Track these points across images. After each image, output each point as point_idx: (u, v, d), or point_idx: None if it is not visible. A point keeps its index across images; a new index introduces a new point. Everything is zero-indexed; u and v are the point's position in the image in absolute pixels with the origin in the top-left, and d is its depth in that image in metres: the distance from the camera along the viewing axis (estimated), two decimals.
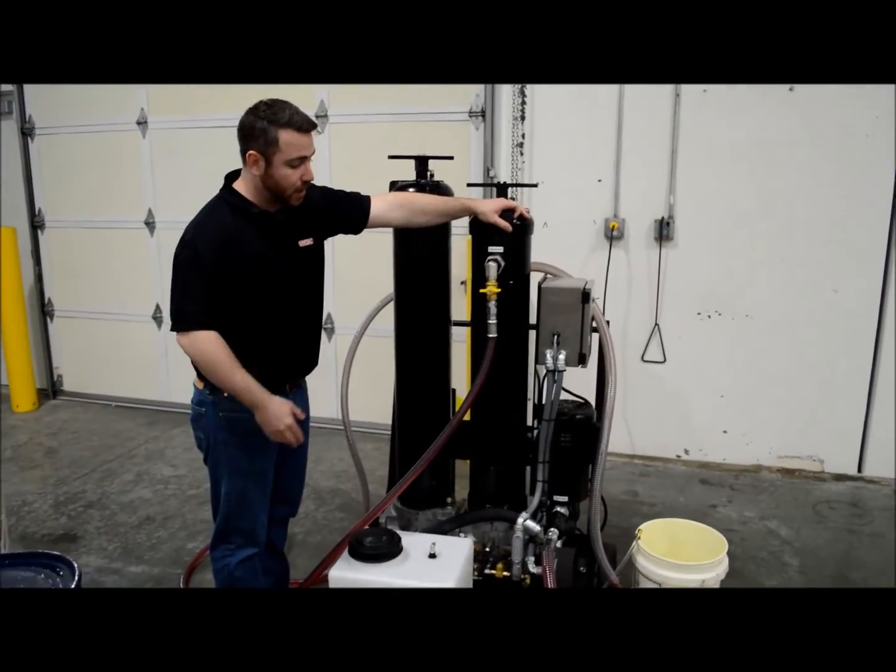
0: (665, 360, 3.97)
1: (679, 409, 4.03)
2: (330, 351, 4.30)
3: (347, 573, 2.19)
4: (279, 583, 2.54)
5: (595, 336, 2.61)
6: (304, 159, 1.97)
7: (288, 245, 2.09)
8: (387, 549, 2.23)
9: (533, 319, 2.54)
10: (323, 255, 2.24)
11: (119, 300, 5.02)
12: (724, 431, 4.00)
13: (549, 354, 2.41)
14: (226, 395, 2.09)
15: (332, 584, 2.21)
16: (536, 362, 2.52)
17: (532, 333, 2.55)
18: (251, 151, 1.94)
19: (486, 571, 2.51)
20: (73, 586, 1.10)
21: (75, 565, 1.17)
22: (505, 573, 2.49)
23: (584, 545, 2.59)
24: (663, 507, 3.49)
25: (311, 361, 2.32)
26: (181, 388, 4.79)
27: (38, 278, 5.16)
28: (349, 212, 2.24)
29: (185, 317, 1.97)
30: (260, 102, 1.94)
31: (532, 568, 2.45)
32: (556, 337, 2.41)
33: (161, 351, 4.93)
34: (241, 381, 2.00)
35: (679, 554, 2.50)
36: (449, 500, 2.70)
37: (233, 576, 2.25)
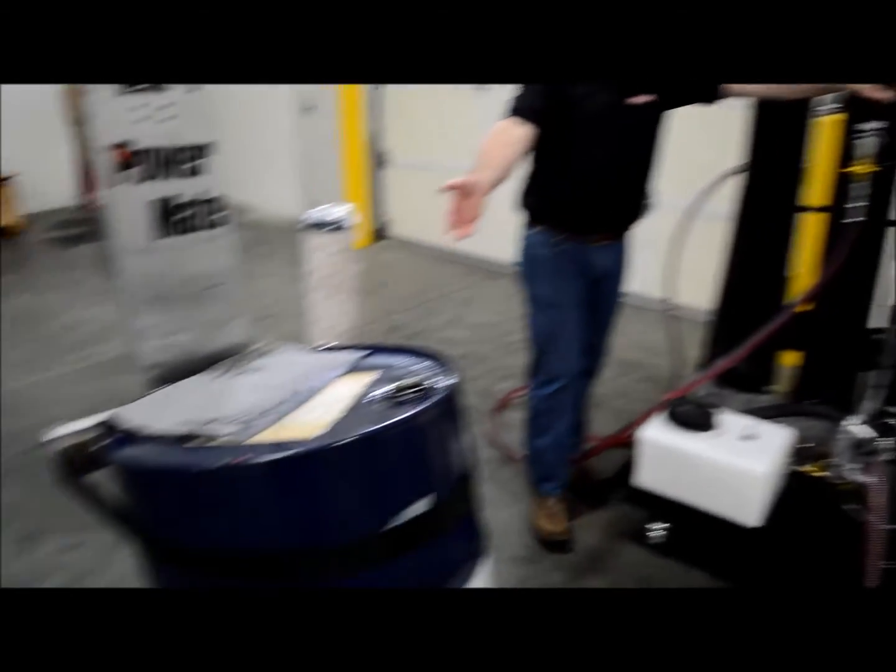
0: None
1: None
2: (650, 226, 4.21)
3: (661, 435, 2.24)
4: (573, 437, 2.66)
5: None
6: None
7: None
8: (704, 420, 2.24)
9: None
10: (662, 116, 2.12)
11: (449, 153, 5.30)
12: None
13: None
14: (538, 228, 2.19)
15: (643, 445, 2.28)
16: None
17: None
18: None
19: (797, 468, 2.41)
20: (451, 383, 1.21)
21: (456, 367, 1.30)
22: (820, 473, 2.38)
23: None
24: None
25: (627, 217, 2.25)
26: (496, 244, 5.06)
27: (376, 131, 5.64)
28: None
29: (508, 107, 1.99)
30: None
31: (855, 476, 2.30)
32: None
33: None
34: (484, 157, 1.86)
35: None
36: (767, 388, 2.60)
37: (537, 407, 2.39)
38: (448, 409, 1.15)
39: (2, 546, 2.41)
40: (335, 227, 2.25)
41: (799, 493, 2.33)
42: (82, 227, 6.26)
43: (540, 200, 2.20)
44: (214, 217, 1.42)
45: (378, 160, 5.75)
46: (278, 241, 5.81)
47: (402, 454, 1.08)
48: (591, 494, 2.67)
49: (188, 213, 1.38)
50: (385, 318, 4.24)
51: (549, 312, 2.26)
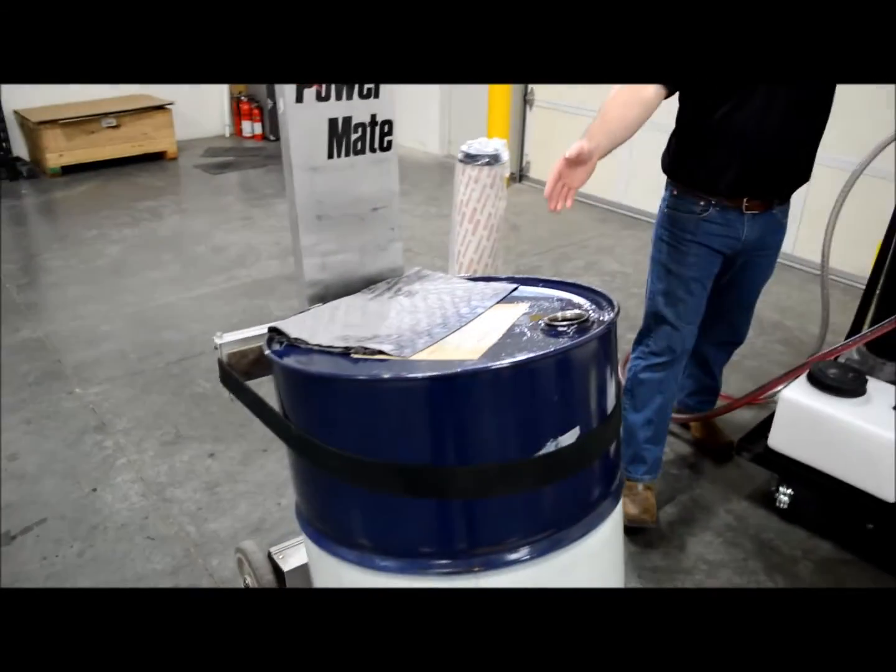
0: None
1: None
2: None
3: (804, 398, 2.17)
4: (704, 398, 2.61)
5: None
6: None
7: None
8: (851, 386, 2.14)
9: None
10: None
11: (592, 95, 5.17)
12: None
13: None
14: (683, 192, 2.05)
15: (783, 406, 2.21)
16: None
17: None
18: None
19: None
20: (610, 318, 1.22)
21: (614, 301, 1.30)
22: None
23: None
24: None
25: (787, 183, 2.06)
26: (635, 194, 4.93)
27: None
28: None
29: None
30: None
31: None
32: None
33: (620, 156, 5.05)
34: (603, 119, 1.73)
35: None
36: None
37: (637, 377, 2.24)
38: (604, 343, 1.16)
39: (147, 449, 2.62)
40: (490, 160, 2.26)
41: None
42: (230, 155, 6.55)
43: (690, 163, 2.03)
44: (384, 140, 1.47)
45: (525, 100, 5.68)
46: (419, 178, 5.88)
47: (557, 384, 1.09)
48: (719, 452, 2.62)
49: (361, 133, 1.43)
50: (517, 260, 4.25)
51: (672, 283, 2.12)
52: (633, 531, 2.23)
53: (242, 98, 7.01)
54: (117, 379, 3.05)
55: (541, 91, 5.58)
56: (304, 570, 1.78)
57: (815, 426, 2.15)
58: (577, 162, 1.63)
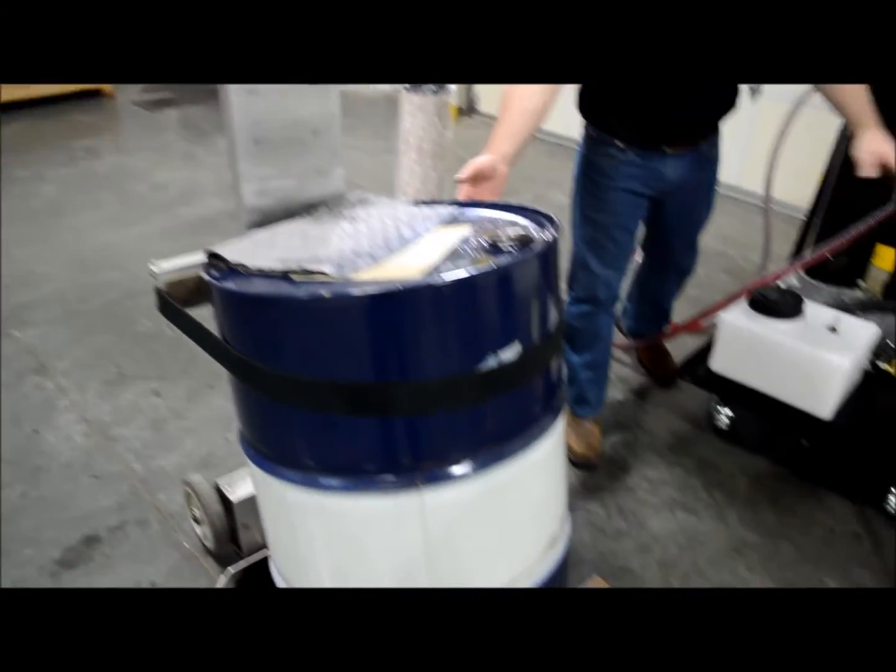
0: None
1: None
2: (748, 114, 4.01)
3: (743, 321, 2.22)
4: (654, 326, 2.64)
5: None
6: None
7: None
8: (789, 308, 2.20)
9: None
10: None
11: None
12: None
13: None
14: (599, 135, 1.97)
15: (723, 329, 2.26)
16: None
17: None
18: None
19: (881, 364, 2.37)
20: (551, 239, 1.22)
21: (556, 220, 1.30)
22: None
23: None
24: None
25: (709, 119, 1.97)
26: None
27: None
28: None
29: None
30: None
31: None
32: None
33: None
34: (505, 118, 1.64)
35: None
36: (860, 282, 2.53)
37: (571, 324, 2.19)
38: (545, 261, 1.16)
39: (89, 389, 2.57)
40: (436, 88, 2.20)
41: (876, 389, 2.30)
42: (170, 91, 6.30)
43: (604, 105, 1.95)
44: None
45: None
46: (367, 113, 5.74)
47: (497, 300, 1.10)
48: (665, 377, 2.69)
49: None
50: None
51: (595, 229, 2.04)
52: (580, 466, 2.28)
53: None
54: (56, 320, 2.97)
55: None
56: (251, 501, 1.79)
57: (754, 348, 2.21)
58: (482, 178, 1.52)
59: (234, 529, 1.83)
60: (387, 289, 1.04)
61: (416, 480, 1.11)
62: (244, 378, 1.18)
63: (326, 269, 1.16)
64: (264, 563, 1.72)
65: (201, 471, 2.11)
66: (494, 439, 1.15)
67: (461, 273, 1.05)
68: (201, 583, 1.85)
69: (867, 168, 1.81)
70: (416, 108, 2.43)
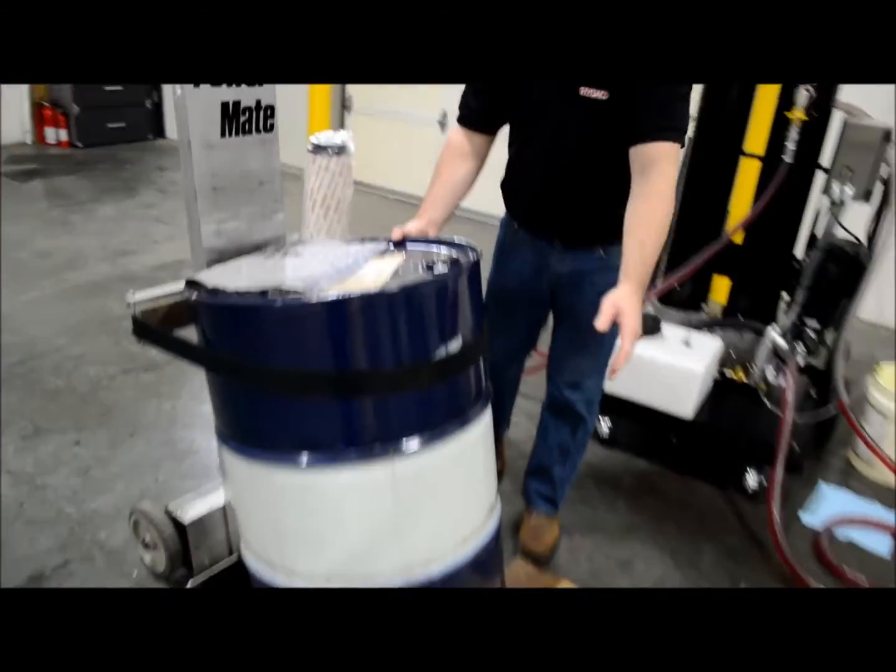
0: None
1: None
2: None
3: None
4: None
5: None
6: None
7: (568, 87, 1.75)
8: (650, 329, 2.62)
9: (823, 160, 2.69)
10: (621, 115, 1.72)
11: (411, 101, 5.54)
12: None
13: (836, 185, 2.56)
14: (506, 211, 2.07)
15: None
16: (823, 191, 2.65)
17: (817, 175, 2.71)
18: None
19: (727, 373, 2.83)
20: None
21: (476, 247, 1.61)
22: (744, 379, 2.80)
23: (817, 378, 2.84)
24: None
25: (578, 224, 1.93)
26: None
27: None
28: (638, 115, 1.69)
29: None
30: None
31: (771, 378, 2.73)
32: (847, 164, 2.54)
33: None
34: (432, 188, 1.88)
35: None
36: (703, 305, 3.01)
37: None
38: (473, 276, 1.46)
39: (7, 444, 2.61)
40: (339, 150, 2.48)
41: (726, 392, 2.75)
42: (36, 163, 6.26)
43: (504, 186, 2.04)
44: (267, 123, 1.68)
45: (343, 104, 5.93)
46: None
47: (442, 301, 1.38)
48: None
49: (248, 116, 1.64)
50: None
51: (490, 298, 1.99)
52: None
53: (45, 104, 6.70)
54: None
55: (358, 94, 5.87)
56: (201, 522, 1.95)
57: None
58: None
59: (186, 551, 1.96)
60: (359, 294, 1.31)
61: (388, 453, 1.36)
62: (233, 376, 1.39)
63: (298, 288, 1.40)
64: (219, 576, 1.89)
65: None
66: (446, 417, 1.42)
67: (415, 281, 1.34)
68: None
69: (604, 316, 1.55)
70: (321, 168, 2.71)
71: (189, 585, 1.87)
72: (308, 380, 1.32)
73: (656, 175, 1.67)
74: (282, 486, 1.41)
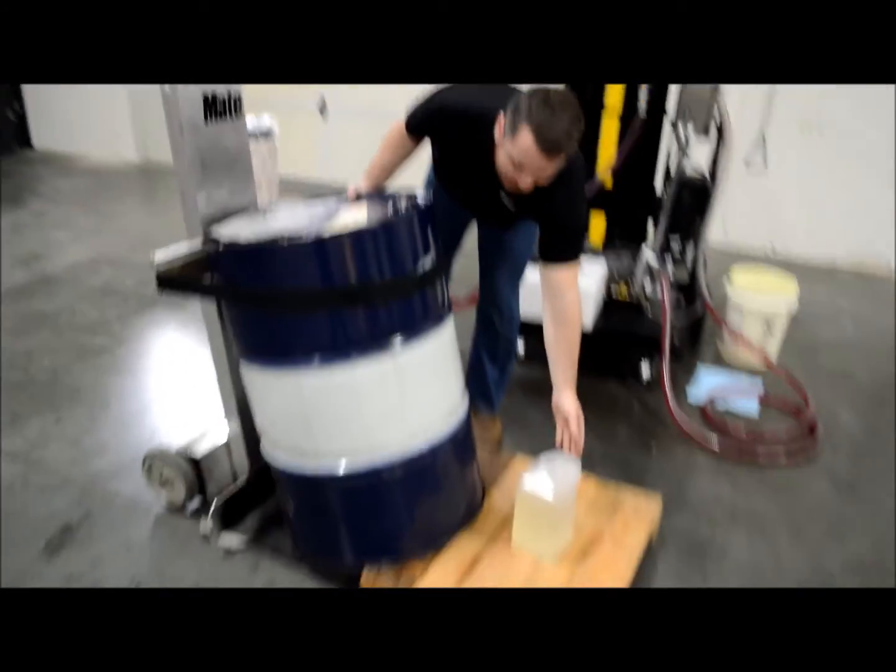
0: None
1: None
2: None
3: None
4: None
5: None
6: (522, 167, 1.84)
7: (494, 181, 2.00)
8: None
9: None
10: (522, 222, 2.31)
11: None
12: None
13: (680, 124, 3.15)
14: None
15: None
16: (672, 126, 3.22)
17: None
18: (503, 116, 1.87)
19: (613, 291, 3.40)
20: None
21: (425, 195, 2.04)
22: (627, 294, 3.37)
23: (684, 289, 3.47)
24: None
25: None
26: (338, 170, 5.69)
27: None
28: (541, 240, 2.08)
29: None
30: (543, 92, 1.81)
31: (649, 290, 3.32)
32: (688, 111, 3.13)
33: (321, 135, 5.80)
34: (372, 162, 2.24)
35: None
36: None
37: None
38: (427, 209, 1.89)
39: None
40: (265, 133, 2.83)
41: (614, 306, 3.32)
42: None
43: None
44: (237, 110, 2.05)
45: None
46: (122, 185, 6.06)
47: (415, 227, 1.81)
48: None
49: (223, 105, 1.99)
50: None
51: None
52: None
53: None
54: None
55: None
56: (211, 455, 2.30)
57: (534, 292, 3.11)
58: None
59: (200, 482, 2.30)
60: (362, 229, 1.73)
61: (391, 346, 1.78)
62: (258, 304, 1.77)
63: (301, 233, 1.79)
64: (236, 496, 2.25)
65: (135, 464, 2.48)
66: (426, 319, 1.86)
67: (392, 217, 1.77)
68: (183, 527, 2.29)
69: (560, 422, 2.20)
70: (252, 151, 3.05)
71: (214, 505, 2.21)
72: (320, 297, 1.73)
73: (568, 304, 2.09)
74: (304, 385, 1.81)
